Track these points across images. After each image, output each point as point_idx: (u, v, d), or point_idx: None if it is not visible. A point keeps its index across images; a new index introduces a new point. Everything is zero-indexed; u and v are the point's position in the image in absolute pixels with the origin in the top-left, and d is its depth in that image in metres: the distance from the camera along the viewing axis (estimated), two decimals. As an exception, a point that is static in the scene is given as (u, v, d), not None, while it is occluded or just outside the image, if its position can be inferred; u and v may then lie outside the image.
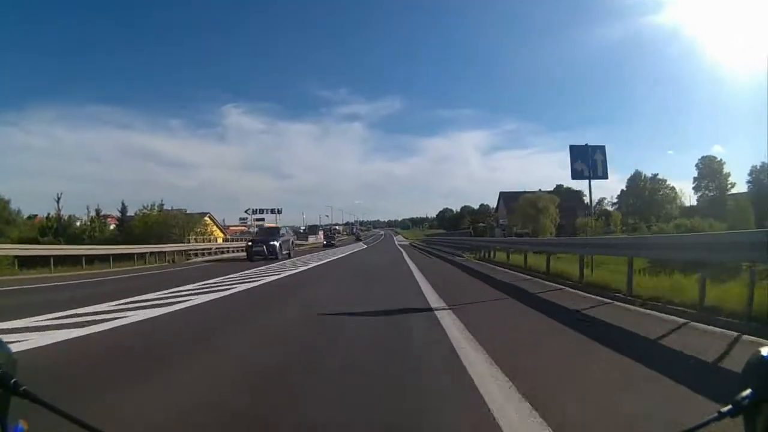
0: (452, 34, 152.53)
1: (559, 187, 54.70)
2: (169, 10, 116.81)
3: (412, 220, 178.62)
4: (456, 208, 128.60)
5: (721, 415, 0.65)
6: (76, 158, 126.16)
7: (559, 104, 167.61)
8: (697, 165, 54.45)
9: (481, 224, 62.41)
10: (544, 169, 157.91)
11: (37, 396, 0.66)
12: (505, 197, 58.80)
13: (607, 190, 79.73)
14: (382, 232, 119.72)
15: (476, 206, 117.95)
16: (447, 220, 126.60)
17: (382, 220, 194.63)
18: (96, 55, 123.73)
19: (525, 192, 49.69)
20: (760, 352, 0.67)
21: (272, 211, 48.86)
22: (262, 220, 49.53)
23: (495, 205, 65.35)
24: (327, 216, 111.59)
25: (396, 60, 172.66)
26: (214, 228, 44.29)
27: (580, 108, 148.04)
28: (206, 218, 42.87)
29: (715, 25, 69.52)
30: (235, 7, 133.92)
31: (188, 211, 37.24)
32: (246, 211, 48.66)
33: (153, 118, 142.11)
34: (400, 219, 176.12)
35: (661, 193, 58.77)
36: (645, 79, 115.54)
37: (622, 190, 61.78)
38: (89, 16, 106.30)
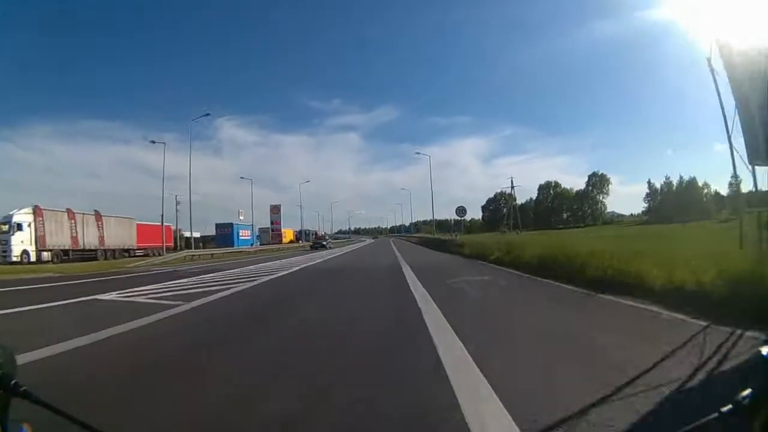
0: (444, 40, 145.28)
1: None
2: (160, 25, 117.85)
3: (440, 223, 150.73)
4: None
5: (722, 415, 0.65)
6: (73, 174, 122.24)
7: (553, 108, 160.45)
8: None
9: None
10: (545, 174, 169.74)
11: (38, 397, 0.67)
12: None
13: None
14: (367, 240, 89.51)
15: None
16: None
17: (383, 227, 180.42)
18: (87, 70, 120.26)
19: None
20: (760, 351, 0.66)
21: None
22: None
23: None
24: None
25: (387, 69, 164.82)
26: None
27: (578, 111, 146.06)
28: None
29: (715, 19, 55.19)
30: (225, 21, 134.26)
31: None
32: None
33: (148, 132, 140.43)
34: (407, 224, 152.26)
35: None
36: (641, 78, 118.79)
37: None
38: (79, 32, 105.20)
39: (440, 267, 14.36)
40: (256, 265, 18.89)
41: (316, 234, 63.78)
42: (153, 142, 34.57)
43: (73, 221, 30.97)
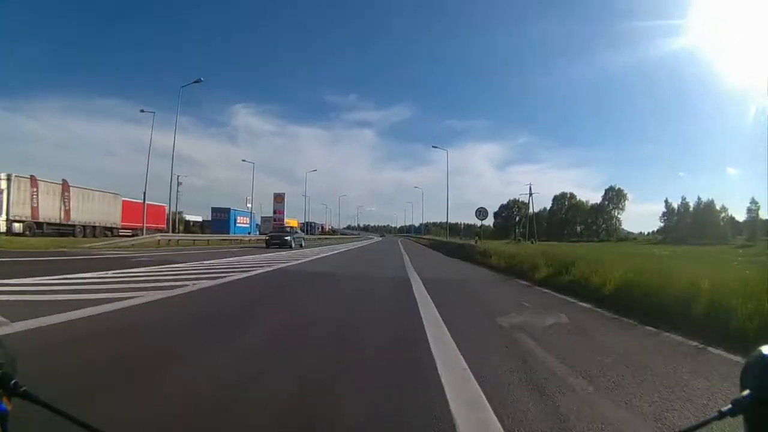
0: (464, 46, 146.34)
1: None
2: (181, 10, 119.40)
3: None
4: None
5: (722, 415, 0.64)
6: (87, 151, 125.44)
7: (571, 121, 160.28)
8: None
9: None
10: (558, 185, 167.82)
11: (38, 397, 0.66)
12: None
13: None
14: (375, 238, 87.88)
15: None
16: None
17: (393, 225, 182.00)
18: (106, 48, 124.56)
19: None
20: (759, 351, 0.65)
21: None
22: None
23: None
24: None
25: (406, 69, 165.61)
26: None
27: (593, 126, 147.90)
28: None
29: (732, 49, 64.69)
30: (246, 10, 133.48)
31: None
32: None
33: (163, 113, 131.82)
34: (416, 224, 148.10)
35: None
36: (659, 100, 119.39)
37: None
38: (102, 11, 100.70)
39: (472, 289, 9.32)
40: (218, 260, 14.36)
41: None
42: (142, 111, 31.77)
43: (34, 189, 26.96)
